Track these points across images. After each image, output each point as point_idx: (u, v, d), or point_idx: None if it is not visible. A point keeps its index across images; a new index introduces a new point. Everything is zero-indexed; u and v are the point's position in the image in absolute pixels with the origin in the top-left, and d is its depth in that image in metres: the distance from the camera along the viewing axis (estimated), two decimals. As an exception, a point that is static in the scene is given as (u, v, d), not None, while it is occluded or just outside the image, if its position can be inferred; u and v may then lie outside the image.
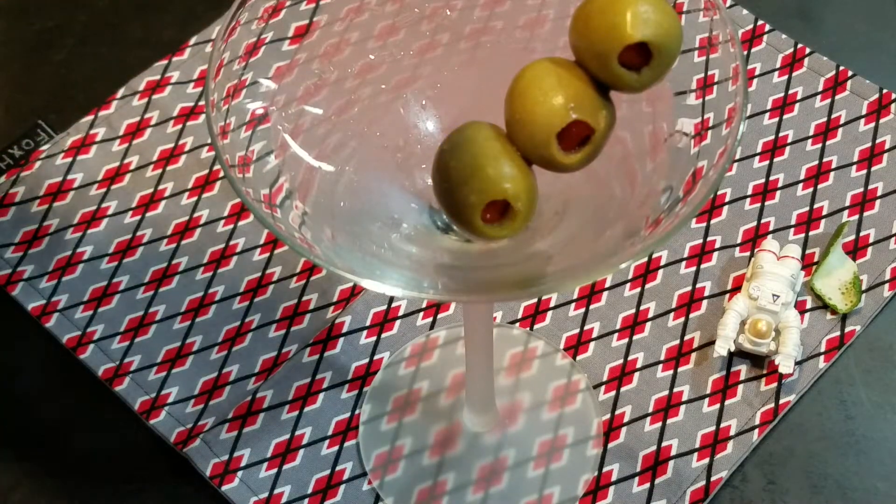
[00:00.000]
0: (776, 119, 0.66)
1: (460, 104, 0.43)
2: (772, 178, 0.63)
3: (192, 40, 0.70)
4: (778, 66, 0.67)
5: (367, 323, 0.60)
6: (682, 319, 0.59)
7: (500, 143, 0.38)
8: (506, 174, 0.37)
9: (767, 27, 0.69)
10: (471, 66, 0.45)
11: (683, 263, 0.61)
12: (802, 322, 0.59)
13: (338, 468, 0.56)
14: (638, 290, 0.60)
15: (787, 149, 0.65)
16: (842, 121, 0.65)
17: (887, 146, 0.64)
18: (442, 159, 0.39)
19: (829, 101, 0.66)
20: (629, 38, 0.36)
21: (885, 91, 0.66)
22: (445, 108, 0.44)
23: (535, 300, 0.60)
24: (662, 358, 0.58)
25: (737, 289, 0.60)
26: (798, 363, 0.58)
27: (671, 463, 0.55)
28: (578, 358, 0.59)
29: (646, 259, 0.61)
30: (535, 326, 0.60)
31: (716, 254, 0.61)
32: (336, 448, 0.57)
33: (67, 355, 0.60)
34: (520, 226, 0.38)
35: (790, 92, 0.66)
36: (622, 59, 0.37)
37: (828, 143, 0.65)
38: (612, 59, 0.36)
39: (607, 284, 0.61)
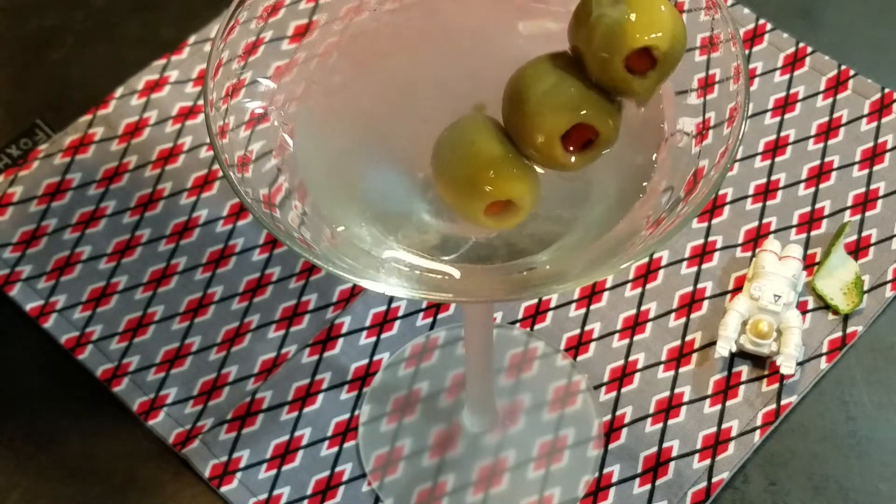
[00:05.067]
0: (778, 118, 0.65)
1: (460, 100, 0.43)
2: (773, 177, 0.63)
3: (191, 39, 0.70)
4: (779, 65, 0.67)
5: (367, 323, 0.60)
6: (683, 320, 0.59)
7: (501, 144, 0.38)
8: (509, 176, 0.37)
9: (769, 26, 0.69)
10: (470, 62, 0.45)
11: (684, 264, 0.61)
12: (804, 322, 0.58)
13: (337, 469, 0.56)
14: (639, 290, 0.60)
15: (789, 148, 0.64)
16: (843, 120, 0.65)
17: (889, 146, 0.64)
18: (442, 156, 0.39)
19: (830, 100, 0.66)
20: (635, 43, 0.36)
21: (886, 90, 0.66)
22: (445, 104, 0.43)
23: (535, 301, 0.60)
24: (663, 358, 0.58)
25: (738, 289, 0.60)
26: (800, 364, 0.58)
27: (672, 464, 0.55)
28: (579, 358, 0.59)
29: (647, 259, 0.61)
30: (536, 327, 0.60)
31: (717, 254, 0.61)
32: (335, 449, 0.56)
33: (65, 356, 0.59)
34: (521, 219, 0.38)
35: (792, 91, 0.66)
36: (626, 64, 0.36)
37: (829, 142, 0.64)
38: (618, 63, 0.36)
39: (608, 285, 0.60)
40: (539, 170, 0.38)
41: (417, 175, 0.42)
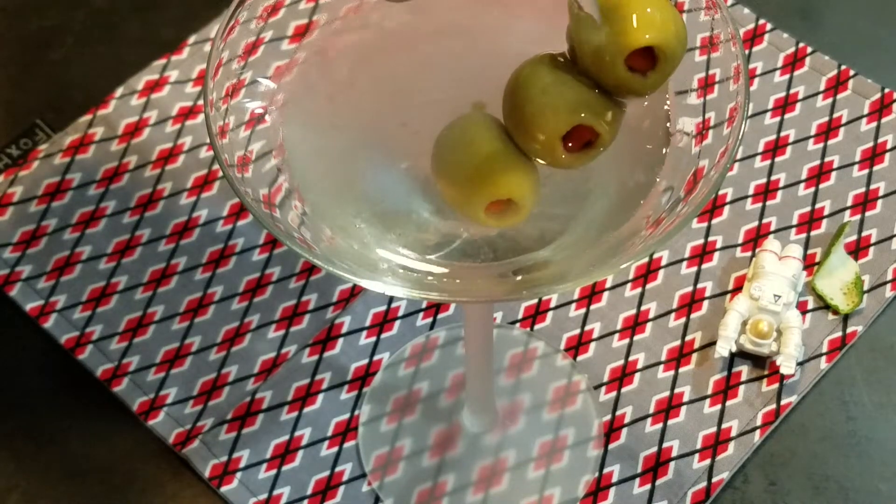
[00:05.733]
0: (778, 118, 0.65)
1: (459, 98, 0.43)
2: (773, 177, 0.63)
3: (191, 39, 0.70)
4: (779, 65, 0.67)
5: (367, 323, 0.60)
6: (683, 320, 0.59)
7: (502, 142, 0.38)
8: (510, 175, 0.37)
9: (769, 26, 0.69)
10: (469, 59, 0.45)
11: (684, 263, 0.61)
12: (804, 322, 0.58)
13: (337, 469, 0.56)
14: (639, 290, 0.60)
15: (789, 148, 0.64)
16: (843, 120, 0.65)
17: (889, 146, 0.64)
18: (443, 155, 0.39)
19: (830, 100, 0.66)
20: (637, 43, 0.36)
21: (886, 90, 0.66)
22: (444, 103, 0.43)
23: (535, 301, 0.60)
24: (663, 358, 0.58)
25: (738, 289, 0.60)
26: (799, 364, 0.58)
27: (672, 464, 0.55)
28: (579, 358, 0.59)
29: (647, 259, 0.61)
30: (536, 327, 0.60)
31: (717, 254, 0.61)
32: (335, 449, 0.56)
33: (65, 356, 0.59)
34: (522, 218, 0.38)
35: (792, 91, 0.66)
36: (627, 64, 0.36)
37: (829, 142, 0.64)
38: (619, 63, 0.36)
39: (608, 285, 0.60)
40: (540, 161, 0.38)
41: (417, 173, 0.42)
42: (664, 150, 0.41)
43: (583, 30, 0.36)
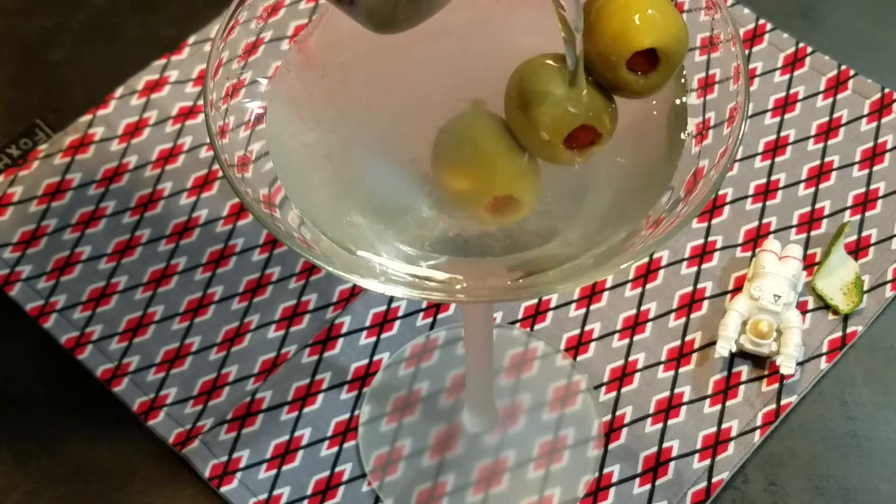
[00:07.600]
0: (778, 118, 0.65)
1: (458, 94, 0.43)
2: (773, 177, 0.63)
3: (191, 39, 0.70)
4: (779, 65, 0.67)
5: (367, 323, 0.60)
6: (683, 320, 0.59)
7: (503, 140, 0.38)
8: (512, 173, 0.37)
9: (769, 26, 0.69)
10: (468, 55, 0.45)
11: (684, 264, 0.61)
12: (804, 322, 0.58)
13: (337, 469, 0.56)
14: (639, 290, 0.60)
15: (789, 148, 0.64)
16: (843, 120, 0.65)
17: (889, 146, 0.64)
18: (444, 152, 0.39)
19: (830, 100, 0.66)
20: (639, 45, 0.36)
21: (886, 90, 0.66)
22: (444, 100, 0.43)
23: (535, 301, 0.60)
24: (663, 358, 0.58)
25: (738, 289, 0.60)
26: (799, 364, 0.58)
27: (672, 464, 0.55)
28: (579, 358, 0.59)
29: (647, 259, 0.61)
30: (536, 327, 0.60)
31: (717, 254, 0.61)
32: (335, 449, 0.56)
33: (65, 356, 0.59)
34: (523, 215, 0.39)
35: (792, 91, 0.66)
36: (628, 65, 0.36)
37: (829, 142, 0.64)
38: (621, 65, 0.36)
39: (608, 285, 0.60)
40: (542, 144, 0.38)
41: (416, 171, 0.42)
42: (675, 153, 0.41)
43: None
